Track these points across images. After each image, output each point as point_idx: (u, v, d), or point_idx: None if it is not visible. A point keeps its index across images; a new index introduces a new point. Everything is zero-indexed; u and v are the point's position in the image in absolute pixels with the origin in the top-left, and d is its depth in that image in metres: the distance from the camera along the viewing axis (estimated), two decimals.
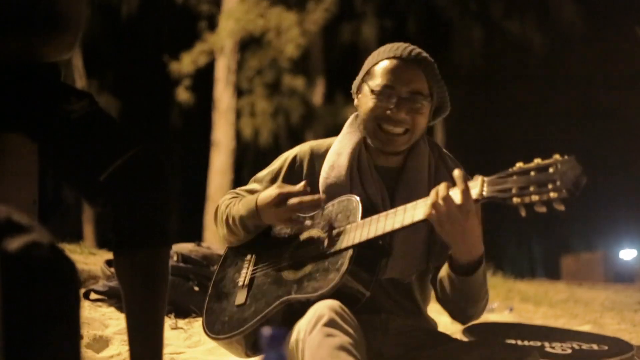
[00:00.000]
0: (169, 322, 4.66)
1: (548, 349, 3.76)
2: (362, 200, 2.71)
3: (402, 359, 2.76)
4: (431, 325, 2.99)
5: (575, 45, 23.62)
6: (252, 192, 3.08)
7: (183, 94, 18.68)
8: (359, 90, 2.95)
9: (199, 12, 19.21)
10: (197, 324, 4.75)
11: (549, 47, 23.31)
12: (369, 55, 2.97)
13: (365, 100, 2.87)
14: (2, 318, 1.39)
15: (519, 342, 3.78)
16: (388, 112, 2.78)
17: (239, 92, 19.46)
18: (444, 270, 2.65)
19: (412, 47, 2.87)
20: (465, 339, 3.77)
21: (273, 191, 2.79)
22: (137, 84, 22.83)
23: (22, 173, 2.71)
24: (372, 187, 2.85)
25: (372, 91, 2.82)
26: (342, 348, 2.32)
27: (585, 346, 3.89)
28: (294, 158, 3.03)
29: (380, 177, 2.89)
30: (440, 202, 2.33)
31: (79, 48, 20.82)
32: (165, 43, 20.75)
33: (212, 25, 18.75)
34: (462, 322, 2.84)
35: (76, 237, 10.15)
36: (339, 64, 23.09)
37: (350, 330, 2.40)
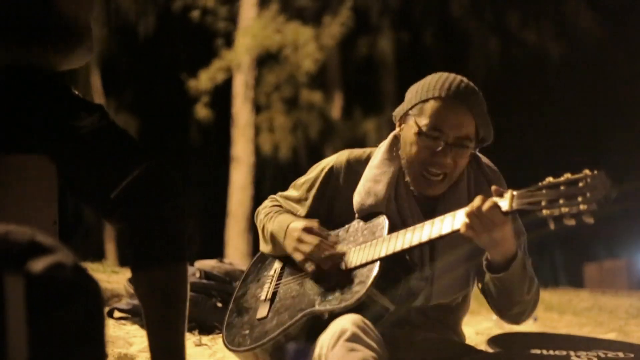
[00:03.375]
0: (193, 338, 4.67)
1: (574, 358, 3.72)
2: (392, 223, 2.72)
3: None
4: (458, 337, 2.98)
5: (592, 53, 23.51)
6: (289, 198, 3.12)
7: (202, 111, 18.74)
8: (403, 119, 2.89)
9: (216, 30, 19.25)
10: (221, 340, 4.75)
11: (566, 55, 23.19)
12: (417, 84, 2.90)
13: (411, 138, 2.82)
14: (28, 339, 1.40)
15: (544, 352, 3.76)
16: (433, 156, 2.75)
17: (257, 108, 19.48)
18: (487, 276, 2.66)
19: (460, 82, 2.81)
20: (490, 350, 3.76)
21: (308, 223, 2.83)
22: (155, 102, 22.89)
23: (42, 194, 2.72)
24: (409, 217, 2.83)
25: (420, 132, 2.76)
26: None
27: (611, 354, 3.85)
28: (331, 169, 3.01)
29: (419, 204, 2.87)
30: (475, 215, 2.37)
31: (97, 68, 20.98)
32: (182, 61, 20.79)
33: (229, 42, 18.80)
34: (515, 322, 2.85)
35: (98, 255, 10.18)
36: (356, 78, 23.09)
37: (374, 345, 2.40)
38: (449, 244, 2.72)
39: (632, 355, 3.87)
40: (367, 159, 2.99)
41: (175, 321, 2.70)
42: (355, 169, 2.98)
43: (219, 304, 5.09)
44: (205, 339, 4.79)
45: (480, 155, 2.95)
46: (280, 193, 3.21)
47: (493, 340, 4.10)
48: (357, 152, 3.06)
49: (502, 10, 22.98)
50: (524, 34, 23.10)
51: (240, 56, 18.02)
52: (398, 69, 22.49)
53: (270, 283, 2.99)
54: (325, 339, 2.46)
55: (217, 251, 16.81)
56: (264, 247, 3.10)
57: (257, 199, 17.65)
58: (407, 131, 2.83)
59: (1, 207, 2.61)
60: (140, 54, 23.36)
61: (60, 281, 1.45)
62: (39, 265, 1.43)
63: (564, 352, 3.79)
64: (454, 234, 2.47)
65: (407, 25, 23.06)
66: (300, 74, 19.12)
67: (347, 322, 2.44)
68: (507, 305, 2.71)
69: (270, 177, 21.95)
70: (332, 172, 3.02)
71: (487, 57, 22.94)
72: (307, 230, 2.81)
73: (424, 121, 2.76)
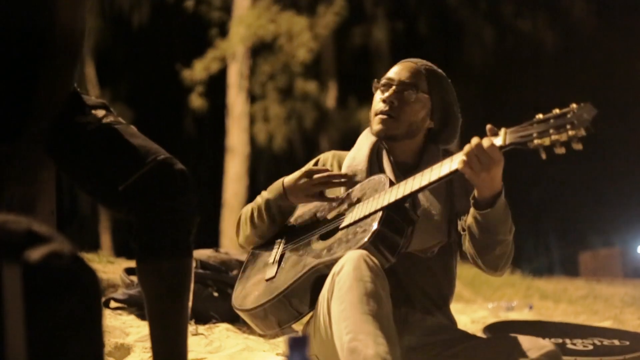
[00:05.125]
0: (189, 328, 4.66)
1: (569, 346, 3.75)
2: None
3: (423, 352, 2.79)
4: (451, 320, 3.02)
5: (587, 43, 23.52)
6: None
7: (196, 101, 18.74)
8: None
9: (210, 19, 19.24)
10: (218, 329, 4.76)
11: (561, 45, 23.21)
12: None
13: (373, 101, 3.09)
14: (25, 328, 1.40)
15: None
16: (382, 96, 3.02)
17: (252, 98, 19.48)
18: (470, 218, 2.74)
19: (422, 60, 3.11)
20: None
21: (300, 171, 3.02)
22: (150, 92, 22.85)
23: (40, 184, 2.71)
24: (391, 176, 2.95)
25: (377, 87, 3.07)
26: (373, 295, 2.39)
27: (606, 342, 3.88)
28: (317, 161, 3.26)
29: (399, 171, 3.02)
30: (474, 153, 2.48)
31: (91, 59, 20.95)
32: (177, 51, 20.76)
33: (224, 31, 18.78)
34: (495, 268, 2.85)
35: (94, 246, 10.18)
36: (351, 67, 23.06)
37: (380, 274, 2.47)
38: (429, 195, 2.96)
39: (628, 343, 3.89)
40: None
41: (179, 314, 2.71)
42: (341, 158, 3.19)
43: (215, 294, 5.09)
44: (201, 328, 4.78)
45: None
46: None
47: (489, 329, 4.13)
48: (341, 151, 3.29)
49: (496, 0, 22.97)
50: (518, 23, 23.10)
51: (234, 46, 18.01)
52: (393, 59, 22.29)
53: (278, 248, 3.07)
54: (333, 269, 2.54)
55: (213, 241, 16.81)
56: (253, 235, 3.22)
57: (252, 189, 17.66)
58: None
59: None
60: (135, 44, 23.31)
61: (57, 270, 1.45)
62: (36, 254, 1.43)
63: (560, 340, 3.81)
64: (453, 175, 2.58)
65: (402, 15, 23.02)
66: (294, 63, 19.13)
67: (353, 255, 2.50)
68: (490, 244, 2.74)
69: (266, 167, 21.96)
70: (318, 163, 3.25)
71: (482, 46, 22.94)
72: (310, 169, 3.02)
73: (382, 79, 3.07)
